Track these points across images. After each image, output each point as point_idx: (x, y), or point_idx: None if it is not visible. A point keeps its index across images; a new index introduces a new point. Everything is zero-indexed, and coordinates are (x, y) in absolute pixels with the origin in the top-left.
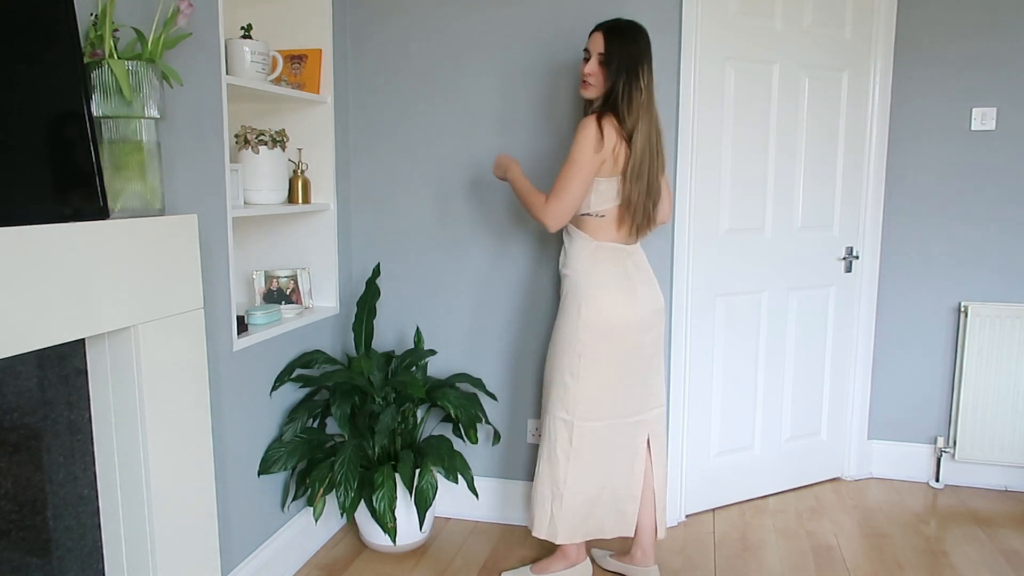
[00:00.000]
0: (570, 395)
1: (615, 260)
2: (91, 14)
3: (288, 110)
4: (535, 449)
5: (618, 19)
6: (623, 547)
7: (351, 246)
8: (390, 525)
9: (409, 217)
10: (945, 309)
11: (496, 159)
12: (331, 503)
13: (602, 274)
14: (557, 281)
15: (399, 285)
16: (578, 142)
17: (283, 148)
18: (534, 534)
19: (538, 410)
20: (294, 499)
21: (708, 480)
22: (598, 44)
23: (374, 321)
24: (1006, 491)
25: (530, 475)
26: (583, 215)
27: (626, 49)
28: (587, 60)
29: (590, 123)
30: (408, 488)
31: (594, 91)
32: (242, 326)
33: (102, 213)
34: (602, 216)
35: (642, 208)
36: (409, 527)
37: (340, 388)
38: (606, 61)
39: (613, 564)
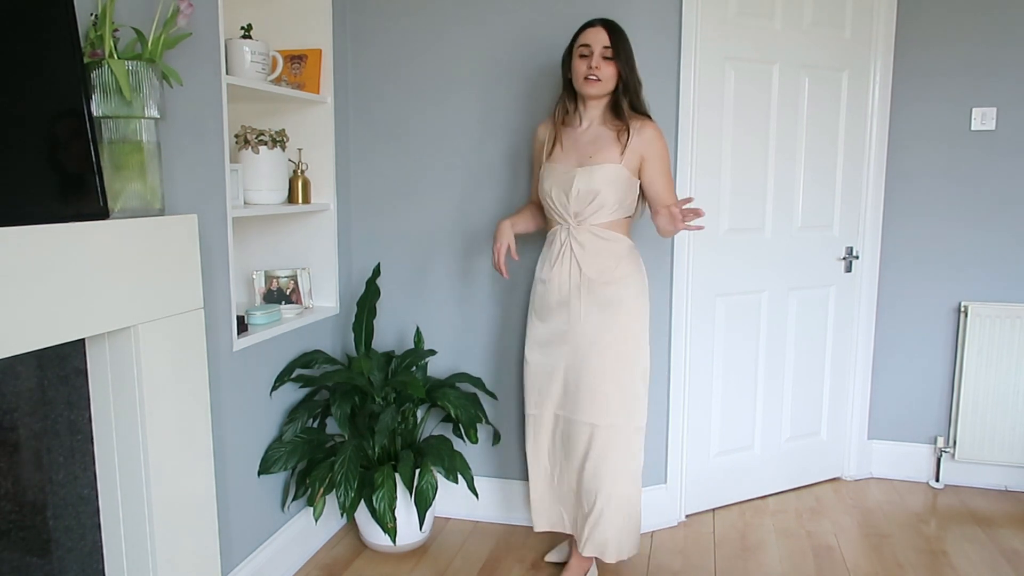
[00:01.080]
0: (641, 401)
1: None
2: (91, 14)
3: (288, 110)
4: None
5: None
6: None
7: (351, 246)
8: (390, 525)
9: (409, 217)
10: (945, 309)
11: (681, 218)
12: (331, 503)
13: (643, 272)
14: None
15: (399, 285)
16: (664, 148)
17: (283, 148)
18: (616, 559)
19: None
20: (294, 499)
21: (708, 480)
22: (601, 38)
23: (374, 321)
24: (1006, 491)
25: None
26: (627, 217)
27: (625, 43)
28: (586, 56)
29: (657, 127)
30: (408, 488)
31: (602, 86)
32: (242, 326)
33: (102, 213)
34: (631, 216)
35: None
36: (409, 527)
37: (340, 388)
38: (615, 55)
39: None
